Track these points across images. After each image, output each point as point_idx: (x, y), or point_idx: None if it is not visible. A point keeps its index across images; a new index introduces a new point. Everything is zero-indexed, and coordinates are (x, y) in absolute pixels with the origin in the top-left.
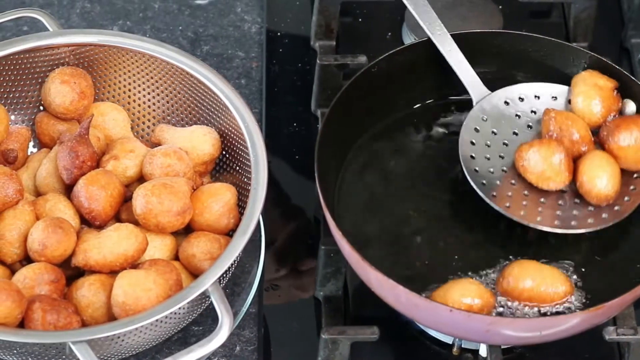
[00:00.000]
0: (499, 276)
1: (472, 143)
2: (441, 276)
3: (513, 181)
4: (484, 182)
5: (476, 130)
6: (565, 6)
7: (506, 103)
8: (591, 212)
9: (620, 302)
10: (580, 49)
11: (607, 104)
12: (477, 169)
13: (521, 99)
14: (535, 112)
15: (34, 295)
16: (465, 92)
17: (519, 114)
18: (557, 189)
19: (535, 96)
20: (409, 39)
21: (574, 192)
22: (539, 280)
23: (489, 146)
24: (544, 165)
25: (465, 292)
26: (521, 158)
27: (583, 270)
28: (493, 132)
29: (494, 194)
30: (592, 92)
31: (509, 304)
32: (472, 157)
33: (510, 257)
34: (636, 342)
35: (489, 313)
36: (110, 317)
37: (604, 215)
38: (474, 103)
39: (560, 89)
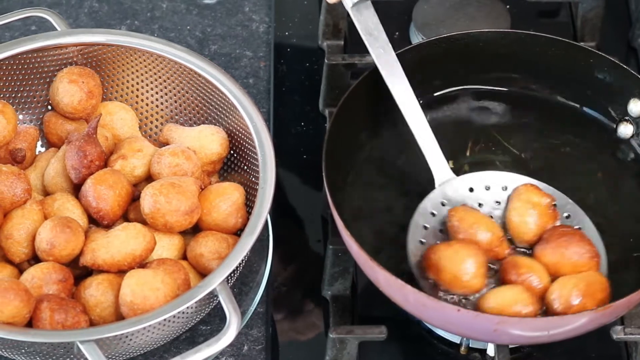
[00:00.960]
0: None
1: (425, 227)
2: None
3: None
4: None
5: (432, 214)
6: (573, 6)
7: (470, 190)
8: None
9: (628, 301)
10: (588, 49)
11: (541, 221)
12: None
13: (487, 188)
14: (499, 203)
15: (42, 295)
16: (471, 85)
17: (481, 202)
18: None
19: (503, 187)
20: (416, 38)
21: None
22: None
23: (442, 232)
24: (456, 268)
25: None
26: (428, 258)
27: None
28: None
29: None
30: (526, 209)
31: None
32: (421, 242)
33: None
34: None
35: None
36: (118, 317)
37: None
38: (436, 185)
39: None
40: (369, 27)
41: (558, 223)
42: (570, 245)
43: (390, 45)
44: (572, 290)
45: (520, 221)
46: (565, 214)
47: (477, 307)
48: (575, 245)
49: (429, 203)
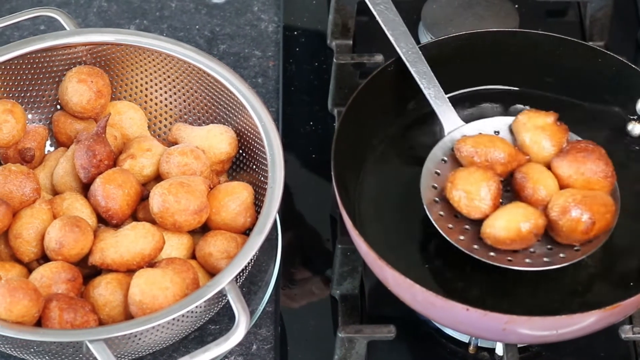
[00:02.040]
0: None
1: (437, 174)
2: (459, 275)
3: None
4: (442, 213)
5: (444, 161)
6: (582, 5)
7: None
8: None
9: (636, 301)
10: (597, 48)
11: (555, 140)
12: (436, 199)
13: (496, 132)
14: None
15: (51, 294)
16: (481, 85)
17: None
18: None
19: (512, 130)
20: (425, 37)
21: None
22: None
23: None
24: (473, 193)
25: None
26: (451, 185)
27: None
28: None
29: (467, 227)
30: (537, 134)
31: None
32: (434, 187)
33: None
34: None
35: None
36: (127, 316)
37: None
38: (446, 133)
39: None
40: None
41: (570, 136)
42: (587, 161)
43: (392, 3)
44: (570, 198)
45: (538, 148)
46: None
47: (483, 229)
48: (592, 163)
49: (440, 150)
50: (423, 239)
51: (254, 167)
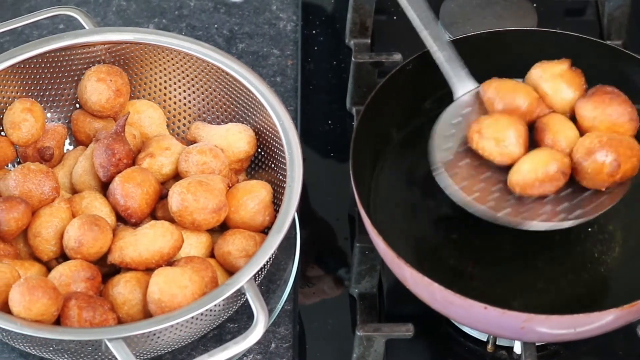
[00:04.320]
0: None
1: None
2: (477, 273)
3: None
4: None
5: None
6: (600, 4)
7: None
8: (587, 196)
9: None
10: (615, 47)
11: (575, 86)
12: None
13: None
14: None
15: (70, 293)
16: None
17: None
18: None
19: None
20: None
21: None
22: None
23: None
24: (500, 139)
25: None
26: (474, 132)
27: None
28: None
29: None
30: (555, 83)
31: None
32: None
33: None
34: None
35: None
36: (146, 315)
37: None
38: (459, 94)
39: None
40: None
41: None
42: (613, 103)
43: None
44: (596, 140)
45: (560, 96)
46: None
47: (510, 178)
48: (618, 105)
49: (448, 115)
50: (441, 237)
51: (273, 165)
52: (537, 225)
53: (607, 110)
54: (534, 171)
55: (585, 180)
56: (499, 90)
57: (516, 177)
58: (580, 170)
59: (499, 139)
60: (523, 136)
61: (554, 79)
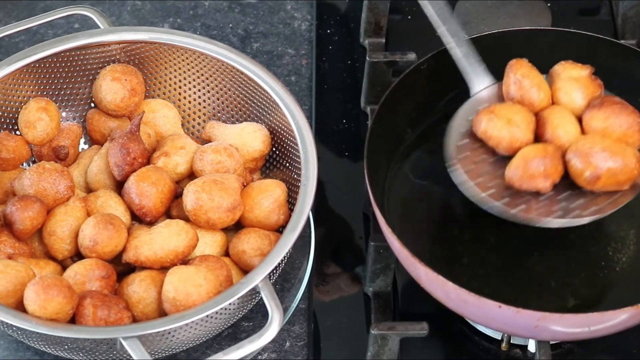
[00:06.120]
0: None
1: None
2: (491, 271)
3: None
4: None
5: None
6: (614, 4)
7: None
8: (592, 197)
9: None
10: (629, 47)
11: (587, 93)
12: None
13: None
14: None
15: (85, 291)
16: None
17: None
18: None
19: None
20: None
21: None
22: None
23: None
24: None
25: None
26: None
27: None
28: None
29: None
30: (570, 86)
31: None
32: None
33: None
34: None
35: None
36: (161, 313)
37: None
38: (476, 90)
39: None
40: None
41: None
42: (622, 114)
43: None
44: (594, 147)
45: (569, 99)
46: None
47: (506, 174)
48: (627, 116)
49: (463, 111)
50: (455, 235)
51: (287, 164)
52: (552, 222)
53: (616, 122)
54: (520, 167)
55: (577, 181)
56: (524, 76)
57: (507, 172)
58: (569, 172)
59: (511, 120)
60: (532, 125)
61: (569, 81)
